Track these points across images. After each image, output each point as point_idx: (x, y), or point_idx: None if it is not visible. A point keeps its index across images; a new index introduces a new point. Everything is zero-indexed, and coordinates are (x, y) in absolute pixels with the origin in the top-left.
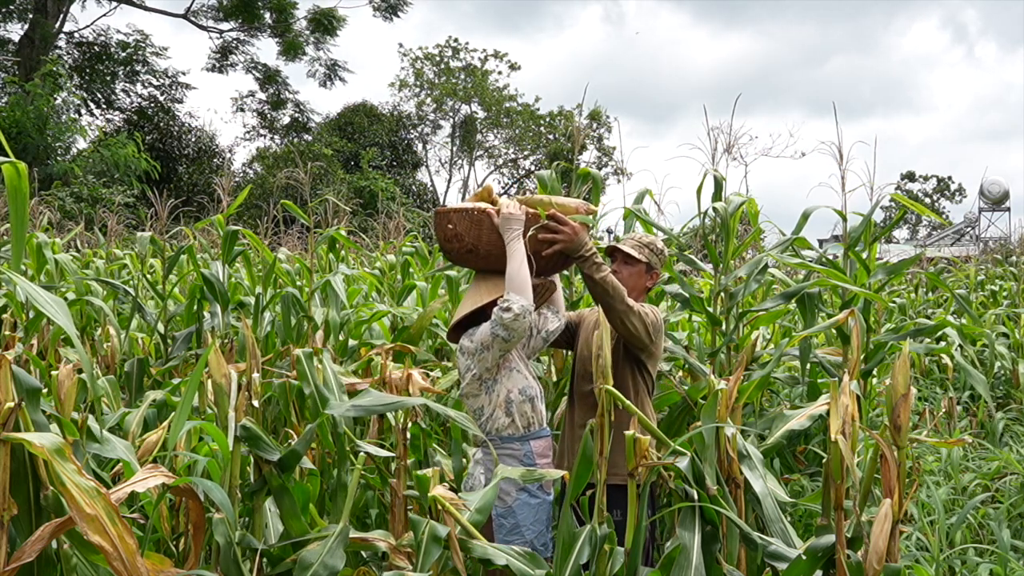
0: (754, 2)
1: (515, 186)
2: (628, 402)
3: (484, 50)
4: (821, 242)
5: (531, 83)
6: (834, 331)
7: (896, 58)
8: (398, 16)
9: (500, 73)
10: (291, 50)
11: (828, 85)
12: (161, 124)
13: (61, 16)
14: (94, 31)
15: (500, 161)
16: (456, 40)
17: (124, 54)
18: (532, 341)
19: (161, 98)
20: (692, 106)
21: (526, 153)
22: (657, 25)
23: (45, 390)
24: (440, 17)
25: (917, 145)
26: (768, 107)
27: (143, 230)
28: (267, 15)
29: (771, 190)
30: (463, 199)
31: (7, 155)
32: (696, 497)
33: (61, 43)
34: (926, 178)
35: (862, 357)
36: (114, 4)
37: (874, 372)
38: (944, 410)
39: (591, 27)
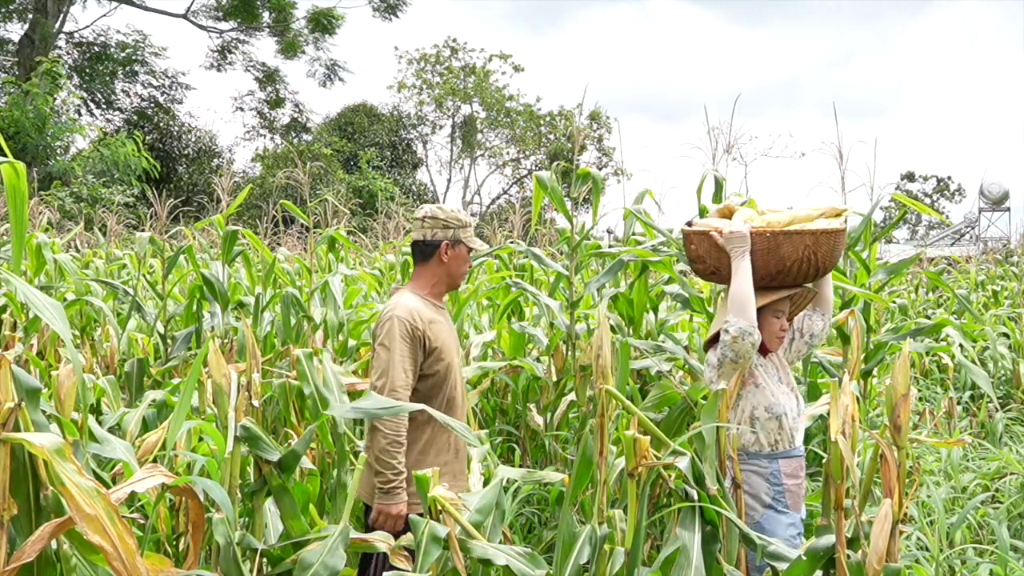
0: (775, 6)
1: (515, 186)
2: (628, 403)
3: (483, 49)
4: None
5: (549, 86)
6: (834, 331)
7: (911, 60)
8: (396, 16)
9: (503, 73)
10: (290, 49)
11: (845, 87)
12: (161, 124)
13: (61, 16)
14: (94, 31)
15: (501, 161)
16: (454, 40)
17: (124, 54)
18: (795, 344)
19: (161, 98)
20: (710, 107)
21: (527, 153)
22: (681, 27)
23: (45, 390)
24: (463, 21)
25: (929, 146)
26: (785, 108)
27: (143, 230)
28: (266, 15)
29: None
30: (463, 197)
31: (6, 155)
32: (696, 497)
33: (61, 43)
34: (925, 178)
35: (862, 357)
36: (114, 4)
37: (874, 372)
38: (944, 410)
39: (615, 30)
